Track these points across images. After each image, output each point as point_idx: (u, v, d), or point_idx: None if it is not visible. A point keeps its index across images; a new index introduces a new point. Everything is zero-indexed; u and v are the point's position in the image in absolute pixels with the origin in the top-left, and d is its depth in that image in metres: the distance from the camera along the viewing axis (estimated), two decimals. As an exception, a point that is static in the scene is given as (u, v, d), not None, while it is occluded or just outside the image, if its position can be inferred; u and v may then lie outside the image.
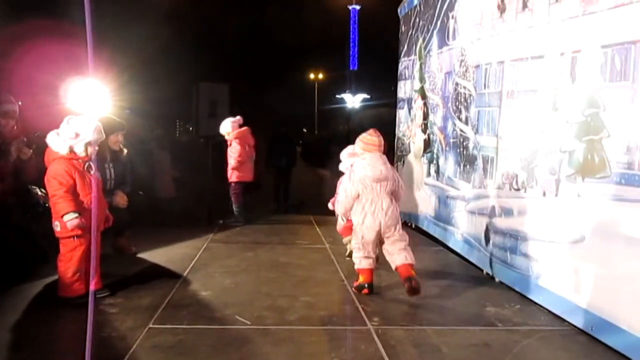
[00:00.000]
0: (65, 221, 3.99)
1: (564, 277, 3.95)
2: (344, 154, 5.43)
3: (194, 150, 10.26)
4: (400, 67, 8.71)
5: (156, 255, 5.75)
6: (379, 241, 4.62)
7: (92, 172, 4.16)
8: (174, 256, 5.74)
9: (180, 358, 3.27)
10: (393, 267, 4.54)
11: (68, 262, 4.12)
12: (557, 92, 4.09)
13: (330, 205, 5.40)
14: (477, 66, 5.54)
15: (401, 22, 8.75)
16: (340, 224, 5.18)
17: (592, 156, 3.61)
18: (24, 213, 4.85)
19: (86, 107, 4.90)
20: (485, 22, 5.39)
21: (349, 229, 5.49)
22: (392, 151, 8.74)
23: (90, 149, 4.13)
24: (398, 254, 4.47)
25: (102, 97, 5.19)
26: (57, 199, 4.02)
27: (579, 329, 3.77)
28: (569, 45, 3.95)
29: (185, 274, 5.09)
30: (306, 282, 4.95)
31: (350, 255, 5.48)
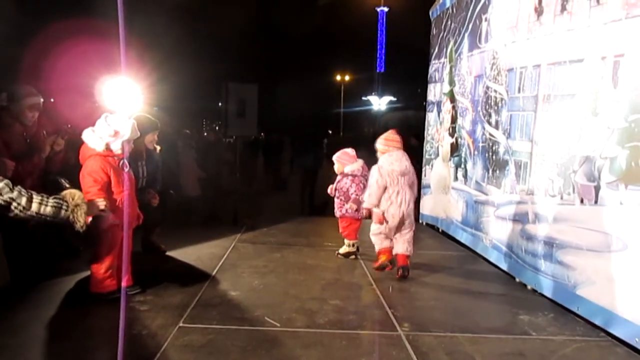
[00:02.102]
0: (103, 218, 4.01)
1: (604, 286, 3.83)
2: (344, 157, 5.95)
3: (221, 150, 10.32)
4: (430, 69, 8.62)
5: (185, 254, 5.78)
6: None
7: (126, 170, 4.20)
8: (202, 255, 5.76)
9: (210, 358, 3.27)
10: (394, 251, 5.19)
11: (104, 258, 4.15)
12: (597, 97, 3.98)
13: (329, 191, 6.03)
14: (511, 69, 5.44)
15: (432, 25, 8.66)
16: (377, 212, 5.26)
17: (637, 163, 3.50)
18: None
19: (120, 105, 4.95)
20: (520, 25, 5.29)
21: (355, 231, 5.99)
22: (421, 153, 8.67)
23: (126, 147, 4.16)
24: (402, 244, 5.16)
25: (135, 95, 5.23)
26: (90, 195, 4.06)
27: (618, 340, 3.66)
28: (611, 49, 3.85)
29: (214, 273, 5.10)
30: (334, 285, 4.91)
31: (346, 255, 5.94)
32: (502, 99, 5.61)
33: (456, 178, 7.11)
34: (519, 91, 5.27)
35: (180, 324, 3.76)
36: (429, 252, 6.40)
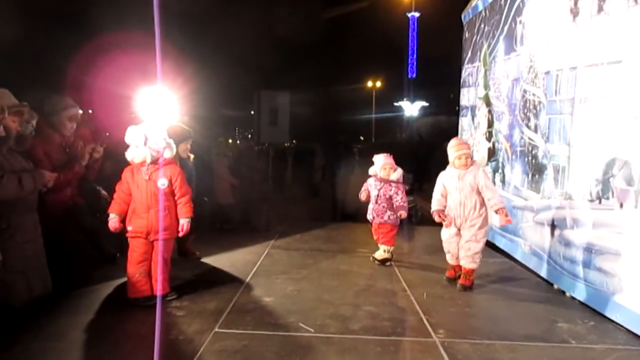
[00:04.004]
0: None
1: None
2: (391, 163, 5.97)
3: (253, 158, 10.43)
4: (464, 74, 8.53)
5: (219, 260, 5.85)
6: None
7: (158, 178, 4.28)
8: (236, 261, 5.83)
9: (245, 363, 3.30)
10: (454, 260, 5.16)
11: (139, 264, 4.25)
12: (636, 99, 3.88)
13: (362, 197, 6.05)
14: (547, 72, 5.34)
15: (465, 29, 8.58)
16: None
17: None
18: (93, 215, 5.02)
19: (156, 115, 5.07)
20: (556, 26, 5.19)
21: (394, 237, 5.97)
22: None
23: (158, 156, 4.26)
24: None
25: (170, 105, 5.35)
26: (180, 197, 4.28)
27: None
28: (651, 49, 3.74)
29: (248, 279, 5.15)
30: (368, 291, 4.89)
31: (383, 261, 5.88)
32: (540, 102, 5.51)
33: (493, 183, 6.99)
34: (555, 94, 5.17)
35: (216, 330, 3.80)
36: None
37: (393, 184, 5.90)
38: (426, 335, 3.82)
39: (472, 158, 5.15)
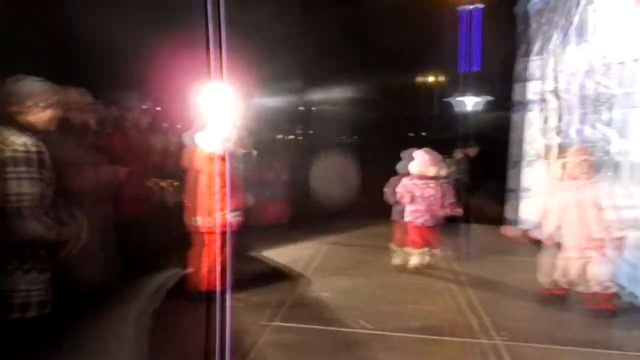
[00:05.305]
0: (225, 218, 4.23)
1: None
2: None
3: (311, 153, 10.45)
4: (530, 66, 8.17)
5: (277, 255, 5.89)
6: None
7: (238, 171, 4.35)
8: (294, 256, 5.85)
9: (302, 357, 3.31)
10: None
11: (208, 257, 4.32)
12: None
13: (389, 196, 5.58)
14: (622, 63, 5.03)
15: (530, 19, 8.22)
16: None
17: None
18: (153, 206, 5.14)
19: (217, 108, 5.13)
20: (631, 14, 4.87)
21: (439, 238, 5.50)
22: (518, 156, 8.27)
23: (226, 148, 4.33)
24: None
25: (232, 99, 5.40)
26: (216, 196, 4.24)
27: None
28: None
29: (305, 274, 5.16)
30: (427, 290, 4.79)
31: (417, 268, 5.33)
32: (613, 95, 5.20)
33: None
34: (632, 86, 4.86)
35: (273, 323, 3.83)
36: (529, 259, 6.07)
37: (438, 182, 5.45)
38: (488, 337, 3.68)
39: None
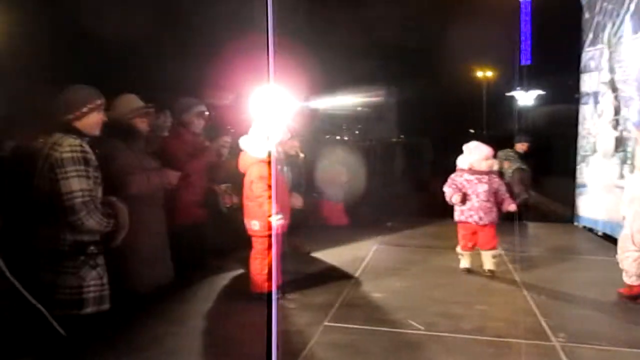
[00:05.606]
0: (272, 221, 4.25)
1: None
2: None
3: (360, 153, 10.43)
4: (584, 58, 7.89)
5: (328, 255, 5.93)
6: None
7: (283, 174, 4.41)
8: (345, 256, 5.87)
9: (354, 358, 3.33)
10: None
11: (264, 260, 4.38)
12: None
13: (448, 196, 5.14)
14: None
15: (584, 9, 7.93)
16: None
17: None
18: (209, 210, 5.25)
19: (270, 112, 5.19)
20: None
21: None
22: (574, 151, 8.01)
23: (279, 152, 4.40)
24: None
25: (286, 102, 5.45)
26: (263, 200, 4.31)
27: None
28: None
29: (356, 274, 5.17)
30: (480, 290, 4.71)
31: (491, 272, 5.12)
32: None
33: (622, 175, 6.42)
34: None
35: (325, 323, 3.87)
36: (586, 257, 5.88)
37: (494, 176, 5.20)
38: (544, 339, 3.59)
39: None
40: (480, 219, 5.08)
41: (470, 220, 5.11)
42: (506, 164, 7.43)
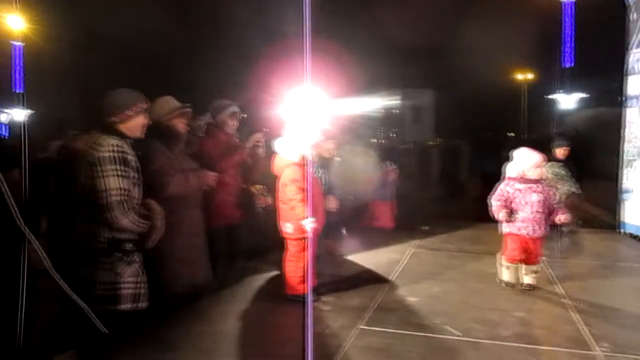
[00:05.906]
0: (305, 224, 4.28)
1: None
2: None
3: (397, 156, 10.36)
4: (630, 59, 7.65)
5: (363, 258, 5.92)
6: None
7: (318, 176, 4.43)
8: (380, 260, 5.85)
9: (389, 362, 3.31)
10: None
11: (298, 262, 4.39)
12: None
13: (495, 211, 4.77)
14: None
15: (631, 9, 7.69)
16: None
17: None
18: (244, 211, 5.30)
19: (306, 115, 5.22)
20: None
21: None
22: (617, 155, 7.75)
23: (314, 155, 4.42)
24: None
25: (321, 105, 5.47)
26: (297, 202, 4.32)
27: None
28: None
29: (392, 278, 5.14)
30: (518, 297, 4.61)
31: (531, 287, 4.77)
32: None
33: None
34: None
35: (360, 326, 3.86)
36: (632, 265, 5.69)
37: (547, 184, 4.91)
38: (586, 348, 3.50)
39: None
40: (534, 231, 4.71)
41: (521, 232, 4.73)
42: (558, 185, 7.03)
